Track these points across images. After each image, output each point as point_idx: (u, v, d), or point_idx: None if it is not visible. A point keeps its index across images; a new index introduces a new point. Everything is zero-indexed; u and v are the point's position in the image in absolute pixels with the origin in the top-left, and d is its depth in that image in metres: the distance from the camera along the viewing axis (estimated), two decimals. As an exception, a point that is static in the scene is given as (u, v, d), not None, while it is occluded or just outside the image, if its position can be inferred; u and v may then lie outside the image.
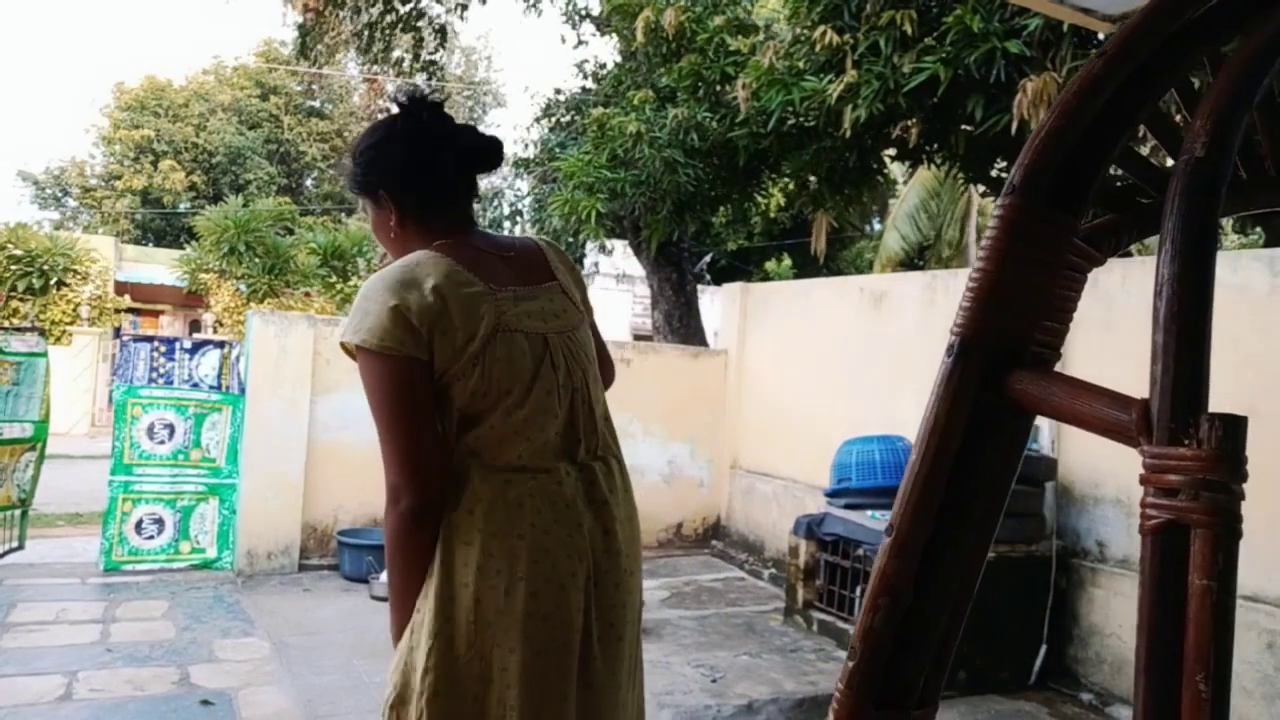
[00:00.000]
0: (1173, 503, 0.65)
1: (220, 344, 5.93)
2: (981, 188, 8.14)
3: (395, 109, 1.64)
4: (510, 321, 1.50)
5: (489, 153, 1.65)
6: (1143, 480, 0.67)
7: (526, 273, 1.61)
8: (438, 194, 1.61)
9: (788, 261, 16.44)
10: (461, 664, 1.43)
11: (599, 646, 1.52)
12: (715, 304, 9.40)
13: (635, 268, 13.81)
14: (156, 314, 18.24)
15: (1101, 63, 0.81)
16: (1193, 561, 0.64)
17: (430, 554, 1.46)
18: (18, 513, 5.42)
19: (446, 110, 1.66)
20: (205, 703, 3.58)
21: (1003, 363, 0.81)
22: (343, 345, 1.49)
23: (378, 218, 1.64)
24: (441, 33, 9.54)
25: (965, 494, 0.81)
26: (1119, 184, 0.97)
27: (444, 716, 1.43)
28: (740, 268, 15.82)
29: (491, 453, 1.49)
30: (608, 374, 1.83)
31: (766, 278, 15.43)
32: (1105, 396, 0.73)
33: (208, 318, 15.35)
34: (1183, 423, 0.66)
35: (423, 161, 1.58)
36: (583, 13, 9.76)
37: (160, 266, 16.68)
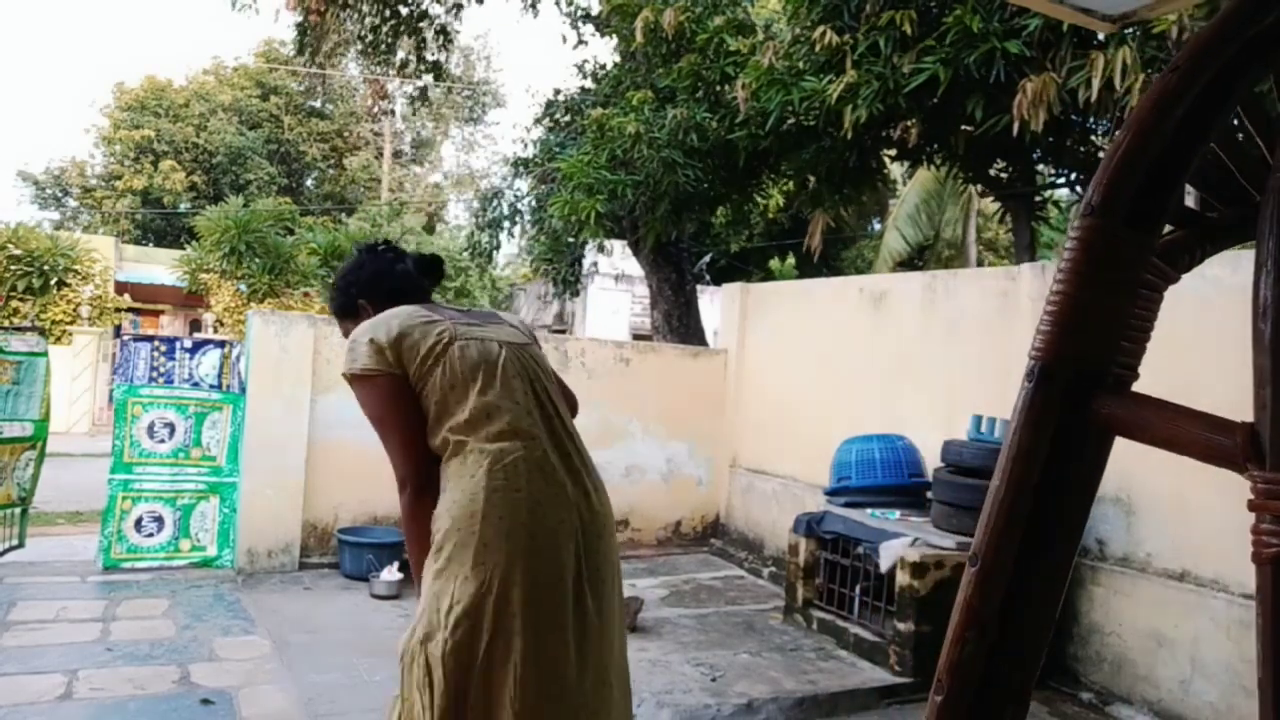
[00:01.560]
0: None
1: (221, 343, 5.93)
2: (981, 187, 8.14)
3: (362, 254, 2.19)
4: (462, 334, 1.93)
5: (435, 263, 2.20)
6: (1255, 507, 0.64)
7: (482, 317, 2.06)
8: (399, 288, 2.10)
9: (791, 260, 16.44)
10: (476, 598, 1.74)
11: (589, 586, 1.85)
12: (715, 304, 9.40)
13: (634, 267, 13.82)
14: (157, 314, 18.24)
15: (1175, 77, 0.78)
16: None
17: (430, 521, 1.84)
18: (18, 511, 5.42)
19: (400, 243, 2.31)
20: (206, 702, 3.58)
21: (1084, 386, 0.79)
22: (344, 375, 1.94)
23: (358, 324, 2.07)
24: (444, 34, 9.54)
25: (1045, 520, 0.79)
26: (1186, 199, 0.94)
27: (461, 642, 1.72)
28: (740, 267, 15.82)
29: (479, 428, 1.85)
30: (572, 406, 2.16)
31: (769, 276, 15.43)
32: (1203, 420, 0.71)
33: (208, 317, 15.34)
34: None
35: (384, 271, 2.13)
36: (583, 13, 9.76)
37: (160, 266, 16.68)
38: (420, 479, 1.85)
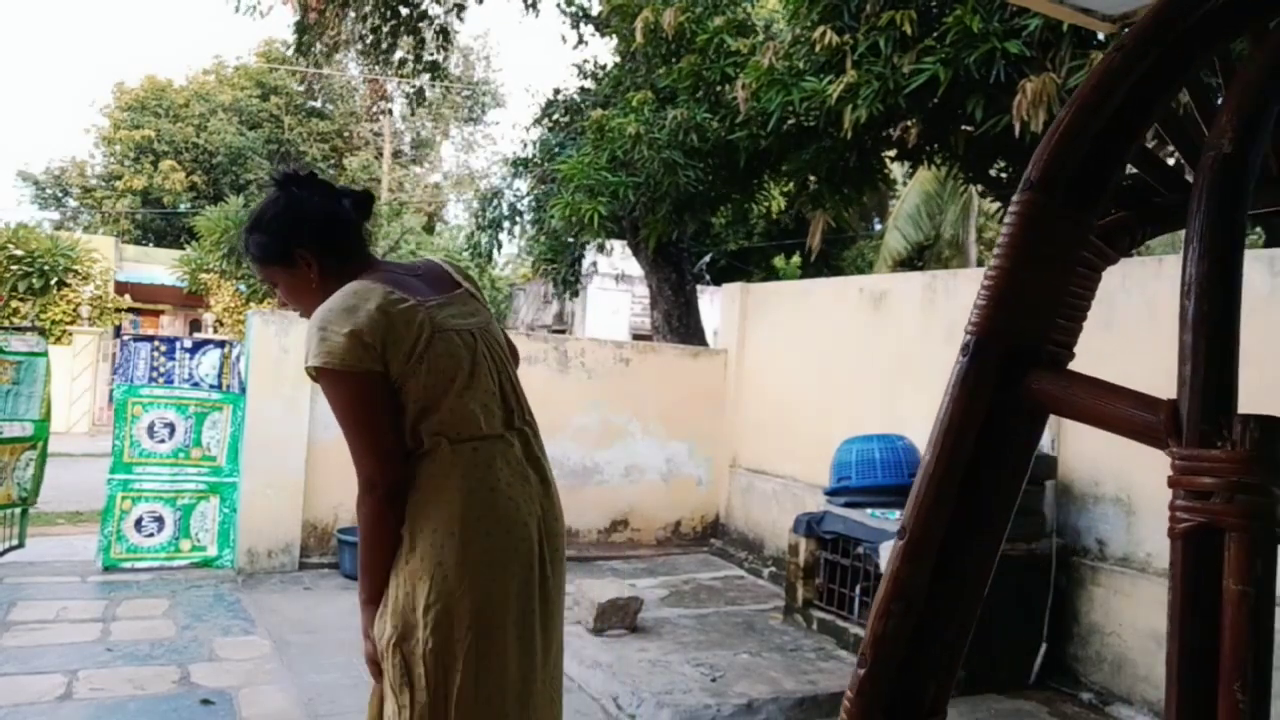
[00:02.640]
0: (1206, 505, 0.63)
1: (220, 343, 5.93)
2: (981, 187, 8.14)
3: (273, 187, 1.89)
4: (442, 324, 1.79)
5: (368, 197, 1.95)
6: (1172, 483, 0.65)
7: (437, 285, 1.89)
8: (347, 241, 1.87)
9: (796, 259, 16.44)
10: (457, 596, 1.71)
11: (550, 568, 1.88)
12: (715, 304, 9.40)
13: (634, 267, 13.81)
14: (157, 314, 18.25)
15: (1119, 56, 0.79)
16: (1228, 566, 0.62)
17: (397, 529, 1.76)
18: (18, 511, 5.43)
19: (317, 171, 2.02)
20: (206, 702, 3.58)
21: (1018, 362, 0.78)
22: (307, 371, 1.73)
23: (292, 279, 1.87)
24: (443, 34, 9.54)
25: (977, 495, 0.79)
26: (1129, 181, 0.95)
27: (444, 641, 1.70)
28: (740, 267, 15.82)
29: (457, 428, 1.77)
30: (514, 352, 2.09)
31: (771, 276, 15.43)
32: (1130, 397, 0.71)
33: (208, 317, 15.36)
34: (1214, 424, 0.64)
35: (331, 212, 1.86)
36: (583, 13, 9.76)
37: (160, 266, 16.69)
38: (391, 485, 1.73)
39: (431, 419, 1.75)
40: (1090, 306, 0.83)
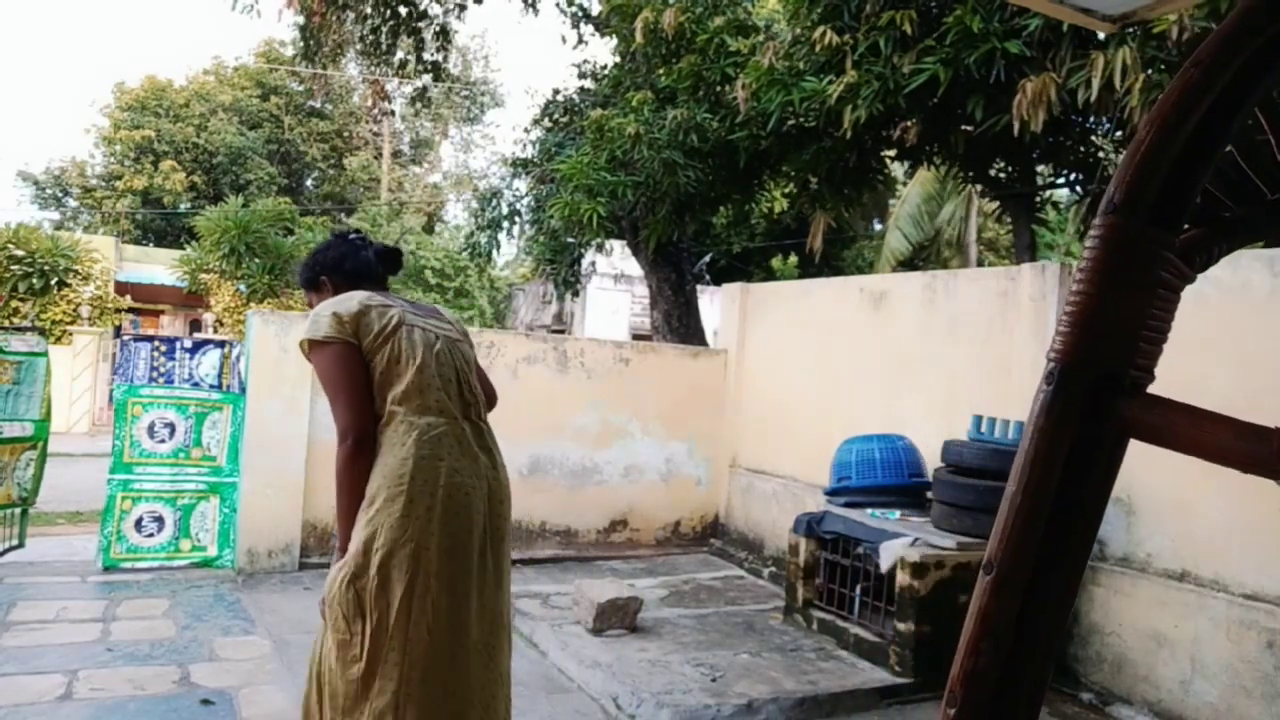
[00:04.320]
0: None
1: (221, 344, 5.93)
2: (981, 187, 8.14)
3: (333, 238, 2.52)
4: (410, 320, 2.25)
5: (396, 254, 2.51)
6: None
7: (423, 310, 2.39)
8: (359, 272, 2.40)
9: (794, 259, 16.44)
10: (401, 543, 2.06)
11: (490, 543, 2.23)
12: (715, 304, 9.39)
13: (634, 267, 13.80)
14: (157, 314, 18.24)
15: (1198, 72, 0.77)
16: None
17: (366, 475, 2.12)
18: (18, 511, 5.42)
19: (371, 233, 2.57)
20: (206, 702, 3.58)
21: (1105, 389, 0.77)
22: (300, 344, 2.21)
23: (319, 298, 2.39)
24: (443, 34, 9.54)
25: (1061, 526, 0.77)
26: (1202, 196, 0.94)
27: (386, 579, 2.04)
28: (740, 267, 15.82)
29: (413, 401, 2.17)
30: (492, 397, 2.50)
31: (771, 276, 15.43)
32: (1234, 426, 0.69)
33: (208, 318, 15.34)
34: None
35: (349, 254, 2.43)
36: (583, 13, 9.76)
37: (161, 267, 16.67)
38: (361, 433, 2.11)
39: (393, 390, 2.16)
40: (1170, 328, 0.81)
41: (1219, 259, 0.89)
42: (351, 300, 2.20)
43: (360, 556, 2.06)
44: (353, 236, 2.52)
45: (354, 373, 2.14)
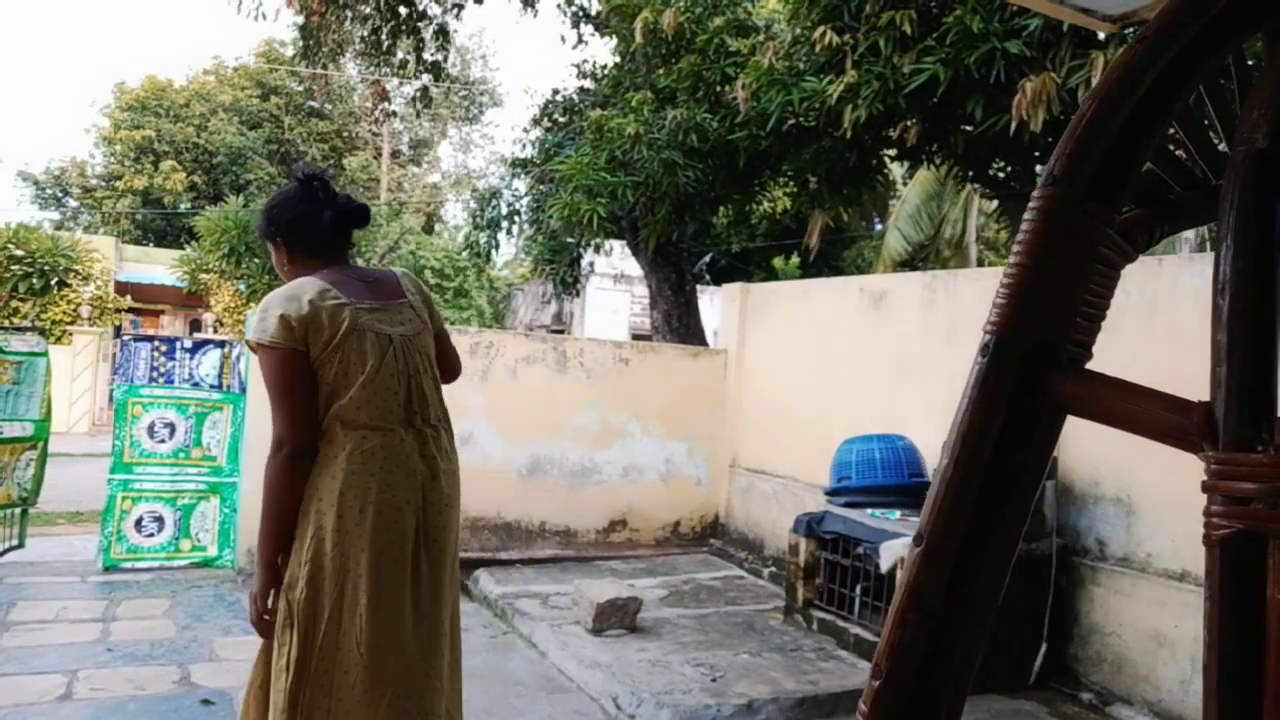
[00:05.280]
0: (1246, 511, 0.60)
1: (221, 343, 5.93)
2: (981, 187, 8.14)
3: (296, 187, 2.30)
4: (363, 325, 2.14)
5: (358, 213, 2.33)
6: (1207, 488, 0.62)
7: (381, 292, 2.26)
8: (315, 241, 2.26)
9: (795, 259, 16.44)
10: (328, 559, 2.06)
11: (425, 553, 2.19)
12: (715, 304, 9.40)
13: (633, 267, 13.80)
14: (157, 314, 18.25)
15: (1142, 48, 0.76)
16: (1272, 574, 0.59)
17: (300, 489, 2.09)
18: (18, 511, 5.43)
19: (334, 180, 2.38)
20: (206, 702, 3.58)
21: (1039, 363, 0.76)
22: (247, 342, 2.20)
23: (276, 255, 2.33)
24: (442, 34, 9.53)
25: (994, 499, 0.76)
26: (1144, 177, 0.93)
27: (315, 592, 2.05)
28: (740, 267, 15.82)
29: (351, 416, 2.11)
30: (454, 366, 2.47)
31: (771, 276, 15.43)
32: (1160, 399, 0.68)
33: (208, 317, 15.35)
34: (1254, 426, 0.62)
35: (306, 217, 2.26)
36: (582, 13, 9.75)
37: (161, 267, 16.69)
38: (298, 445, 2.07)
39: (334, 404, 2.11)
40: (1109, 305, 0.80)
41: (1160, 240, 0.89)
42: (301, 299, 2.10)
43: (294, 568, 2.08)
44: (316, 184, 2.32)
45: (298, 382, 2.09)
